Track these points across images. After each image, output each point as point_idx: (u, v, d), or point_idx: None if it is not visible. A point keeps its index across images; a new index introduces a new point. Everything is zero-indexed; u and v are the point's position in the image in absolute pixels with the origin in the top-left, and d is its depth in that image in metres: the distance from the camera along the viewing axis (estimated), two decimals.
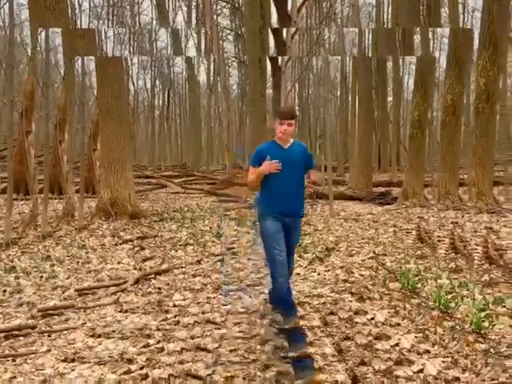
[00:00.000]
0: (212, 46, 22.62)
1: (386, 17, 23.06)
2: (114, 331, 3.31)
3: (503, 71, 13.74)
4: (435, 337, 2.94)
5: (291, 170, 3.13)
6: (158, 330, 3.31)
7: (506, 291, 3.85)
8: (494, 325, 3.08)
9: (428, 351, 2.75)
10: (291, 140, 3.28)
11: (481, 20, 9.49)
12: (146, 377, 2.52)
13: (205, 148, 33.76)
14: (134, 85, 33.61)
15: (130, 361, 2.76)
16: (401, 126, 28.96)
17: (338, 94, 31.76)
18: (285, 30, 17.77)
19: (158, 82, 34.20)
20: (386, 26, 22.28)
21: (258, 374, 2.50)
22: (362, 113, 15.30)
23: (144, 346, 2.98)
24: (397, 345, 2.83)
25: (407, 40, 14.09)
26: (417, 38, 16.01)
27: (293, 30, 18.20)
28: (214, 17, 24.67)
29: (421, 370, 2.48)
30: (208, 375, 2.52)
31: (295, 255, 5.58)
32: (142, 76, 35.39)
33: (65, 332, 3.32)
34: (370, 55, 18.58)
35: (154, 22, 28.12)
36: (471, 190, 9.13)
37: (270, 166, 3.07)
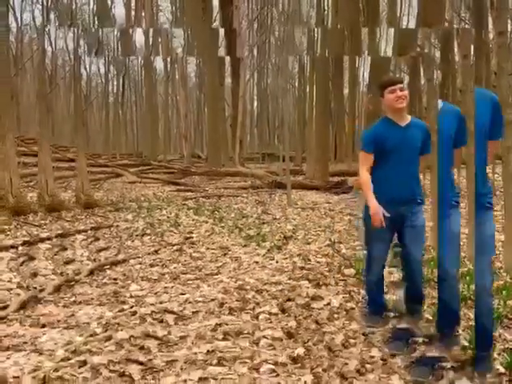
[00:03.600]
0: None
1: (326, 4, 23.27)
2: (59, 321, 3.21)
3: None
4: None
5: (408, 153, 2.68)
6: (101, 318, 3.25)
7: None
8: None
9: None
10: (408, 117, 2.76)
11: (370, 65, 12.93)
12: (84, 363, 2.45)
13: (162, 137, 33.13)
14: (86, 70, 32.29)
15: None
16: (356, 118, 29.67)
17: (297, 84, 32.00)
18: (235, 19, 17.58)
19: (111, 67, 33.07)
20: (326, 17, 22.64)
21: (200, 357, 2.50)
22: (320, 104, 15.53)
23: (90, 336, 2.90)
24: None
25: (355, 39, 14.55)
26: (364, 31, 16.39)
27: (241, 16, 18.01)
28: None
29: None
30: (149, 360, 2.49)
31: (254, 244, 5.67)
32: (94, 61, 34.01)
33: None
34: (319, 52, 18.88)
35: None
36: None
37: (377, 220, 2.68)
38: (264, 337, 2.72)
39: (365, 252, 3.02)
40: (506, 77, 4.27)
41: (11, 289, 3.93)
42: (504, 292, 3.25)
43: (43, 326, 3.13)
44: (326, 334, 2.79)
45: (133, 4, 24.67)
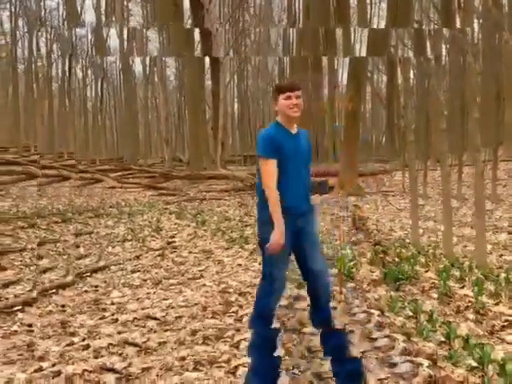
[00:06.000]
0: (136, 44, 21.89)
1: (297, 7, 23.51)
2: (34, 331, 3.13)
3: (363, 98, 17.98)
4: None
5: (301, 162, 2.50)
6: (82, 326, 3.15)
7: (367, 247, 5.27)
8: (359, 270, 4.22)
9: None
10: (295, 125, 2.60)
11: (348, 65, 13.02)
12: (58, 374, 2.37)
13: (142, 141, 32.82)
14: (59, 74, 31.67)
15: (41, 358, 2.57)
16: (336, 118, 29.93)
17: None
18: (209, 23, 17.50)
19: (89, 71, 32.65)
20: (297, 20, 22.97)
21: (176, 363, 2.48)
22: None
23: (68, 345, 2.82)
24: None
25: (329, 39, 14.65)
26: (339, 30, 16.56)
27: (212, 20, 17.88)
28: (125, 2, 23.75)
29: None
30: (124, 368, 2.44)
31: (237, 247, 5.65)
32: (69, 65, 33.37)
33: None
34: (295, 53, 19.01)
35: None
36: (343, 180, 11.74)
37: (279, 247, 2.34)
38: (245, 340, 2.71)
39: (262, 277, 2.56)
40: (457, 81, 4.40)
41: None
42: (476, 288, 3.35)
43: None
44: (307, 335, 2.80)
45: (103, 9, 24.41)
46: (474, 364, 2.25)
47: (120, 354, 2.62)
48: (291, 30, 22.25)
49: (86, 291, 4.23)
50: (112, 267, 5.06)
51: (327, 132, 25.47)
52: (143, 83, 31.37)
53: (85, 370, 2.36)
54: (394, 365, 2.32)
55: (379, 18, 28.94)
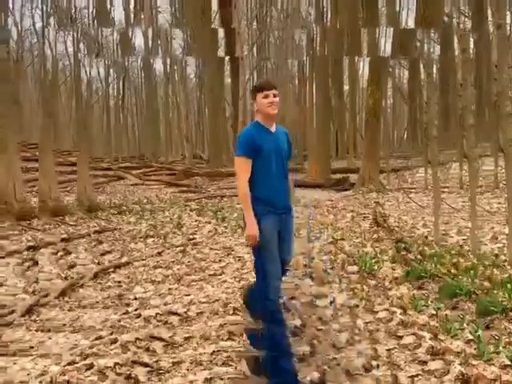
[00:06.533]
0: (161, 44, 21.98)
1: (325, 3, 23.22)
2: (64, 325, 3.23)
3: (384, 93, 17.59)
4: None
5: (281, 158, 2.60)
6: (106, 320, 3.24)
7: (388, 244, 5.22)
8: (381, 268, 4.19)
9: None
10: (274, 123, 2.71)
11: (369, 62, 12.95)
12: (90, 367, 2.44)
13: (163, 138, 33.17)
14: (86, 73, 32.28)
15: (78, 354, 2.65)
16: (357, 114, 29.58)
17: (296, 82, 31.95)
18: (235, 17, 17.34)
19: (111, 70, 33.10)
20: (324, 17, 22.70)
21: (204, 358, 2.52)
22: (320, 101, 15.53)
23: (96, 339, 2.90)
24: None
25: (354, 38, 14.41)
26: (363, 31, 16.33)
27: (240, 15, 17.72)
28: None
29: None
30: (155, 362, 2.50)
31: None
32: (94, 64, 33.85)
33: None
34: (318, 51, 18.74)
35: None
36: (364, 177, 11.65)
37: (253, 240, 2.44)
38: None
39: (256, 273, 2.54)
40: (506, 70, 4.27)
41: (16, 294, 3.94)
42: (509, 285, 3.25)
43: (49, 330, 3.14)
44: (331, 332, 2.80)
45: (132, 5, 24.58)
46: (507, 362, 2.21)
47: (147, 349, 2.68)
48: (316, 28, 21.95)
49: (109, 286, 4.32)
50: (135, 263, 5.15)
51: (347, 128, 25.22)
52: (163, 81, 31.67)
53: (116, 364, 2.42)
54: (424, 362, 2.31)
55: (408, 11, 28.19)
